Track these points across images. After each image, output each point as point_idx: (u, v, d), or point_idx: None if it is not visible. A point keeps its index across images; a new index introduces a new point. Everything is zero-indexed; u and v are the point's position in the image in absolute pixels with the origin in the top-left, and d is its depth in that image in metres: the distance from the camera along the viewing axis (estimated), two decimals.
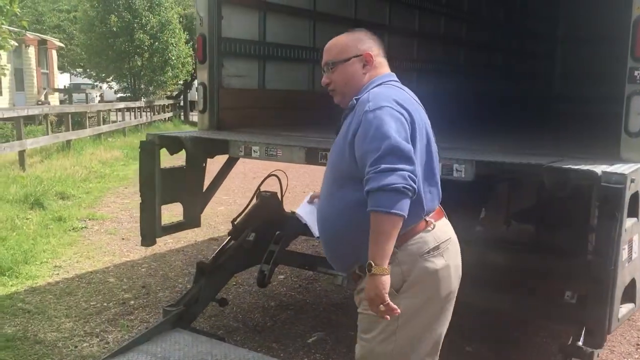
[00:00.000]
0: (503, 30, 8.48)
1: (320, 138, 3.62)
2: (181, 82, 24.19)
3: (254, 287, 4.73)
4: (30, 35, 14.60)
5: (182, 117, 26.20)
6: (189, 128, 24.10)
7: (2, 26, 6.97)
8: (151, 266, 5.50)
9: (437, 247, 2.03)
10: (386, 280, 1.87)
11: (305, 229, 2.81)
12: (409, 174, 1.84)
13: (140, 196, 3.84)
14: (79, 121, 15.00)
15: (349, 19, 5.45)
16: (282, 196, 4.40)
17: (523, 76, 8.97)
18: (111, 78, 22.85)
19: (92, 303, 4.55)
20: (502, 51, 8.63)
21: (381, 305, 1.88)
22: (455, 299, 2.15)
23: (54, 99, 22.38)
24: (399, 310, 1.89)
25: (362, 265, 1.96)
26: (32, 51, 20.78)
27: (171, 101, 25.76)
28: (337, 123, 2.22)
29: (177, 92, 27.82)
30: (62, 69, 29.49)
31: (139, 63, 20.21)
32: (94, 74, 23.98)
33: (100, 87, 31.15)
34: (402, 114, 1.94)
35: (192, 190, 4.12)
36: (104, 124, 15.60)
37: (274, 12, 4.62)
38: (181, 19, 22.24)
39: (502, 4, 8.33)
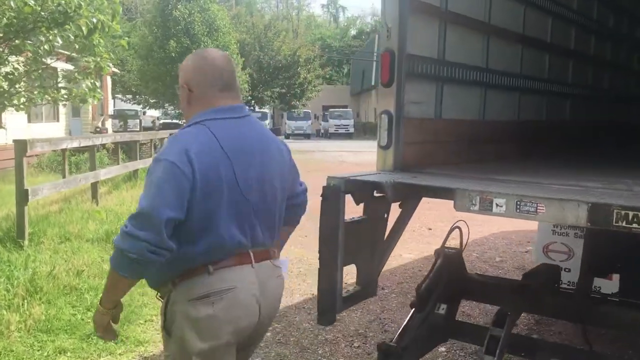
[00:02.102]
0: None
1: (580, 187, 2.69)
2: None
3: None
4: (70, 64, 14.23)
5: None
6: None
7: (101, 46, 6.31)
8: (286, 334, 4.59)
9: (206, 295, 1.92)
10: (100, 318, 2.02)
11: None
12: (148, 244, 1.80)
13: (320, 257, 2.94)
14: (131, 148, 14.42)
15: (518, 35, 4.54)
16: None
17: None
18: (160, 104, 22.45)
19: None
20: None
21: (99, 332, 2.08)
22: (229, 353, 1.99)
23: (108, 125, 22.01)
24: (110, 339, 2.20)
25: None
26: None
27: None
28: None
29: None
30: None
31: None
32: (145, 100, 23.65)
33: (143, 114, 30.97)
34: (182, 172, 1.84)
35: (371, 248, 3.20)
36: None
37: (453, 23, 3.72)
38: (237, 44, 21.77)
39: None
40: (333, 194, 2.86)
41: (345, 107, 51.64)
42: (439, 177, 3.08)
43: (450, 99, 3.76)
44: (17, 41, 6.02)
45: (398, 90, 3.19)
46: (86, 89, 6.53)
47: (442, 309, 3.30)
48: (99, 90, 6.86)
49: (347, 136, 44.28)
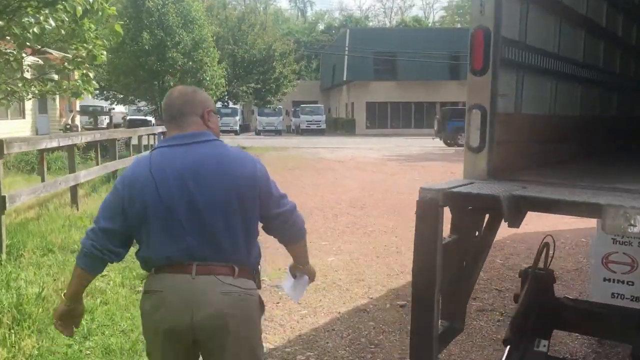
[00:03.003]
0: None
1: None
2: None
3: None
4: (55, 53, 13.28)
5: None
6: None
7: (92, 32, 5.50)
8: None
9: (146, 291, 2.27)
10: (59, 308, 2.34)
11: None
12: (93, 243, 2.20)
13: (414, 288, 2.36)
14: (105, 147, 13.53)
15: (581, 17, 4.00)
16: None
17: None
18: (129, 98, 21.43)
19: None
20: None
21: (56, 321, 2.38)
22: (168, 347, 2.22)
23: (78, 122, 20.90)
24: (66, 334, 2.40)
25: None
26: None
27: None
28: None
29: None
30: None
31: (171, 83, 18.75)
32: (113, 96, 22.58)
33: (110, 110, 29.78)
34: (118, 193, 2.23)
35: (459, 273, 2.63)
36: (137, 150, 14.05)
37: (534, 1, 3.14)
38: (214, 37, 20.90)
39: None
40: (430, 210, 2.28)
41: (316, 102, 51.05)
42: (557, 187, 2.50)
43: (527, 91, 3.18)
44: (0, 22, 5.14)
45: (494, 79, 2.58)
46: (79, 81, 5.73)
47: (543, 345, 2.73)
48: (93, 82, 6.06)
49: (319, 132, 43.78)
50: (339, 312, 4.91)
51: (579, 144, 3.66)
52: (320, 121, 45.25)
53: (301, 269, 2.55)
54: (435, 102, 43.92)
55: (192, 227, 2.17)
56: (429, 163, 19.03)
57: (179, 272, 2.17)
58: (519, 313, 2.76)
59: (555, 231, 8.30)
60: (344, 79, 44.49)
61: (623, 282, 4.45)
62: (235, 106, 40.18)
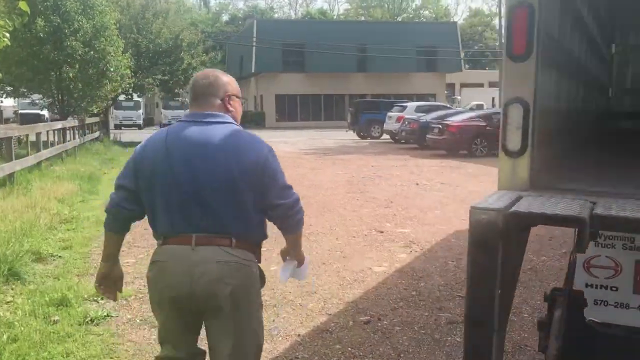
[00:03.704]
0: None
1: None
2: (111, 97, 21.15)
3: None
4: None
5: (100, 137, 23.14)
6: (119, 149, 21.24)
7: None
8: None
9: (152, 262, 2.41)
10: (98, 270, 2.57)
11: None
12: (111, 201, 2.43)
13: (470, 328, 1.82)
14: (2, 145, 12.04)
15: None
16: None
17: None
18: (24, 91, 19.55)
19: None
20: None
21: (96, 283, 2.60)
22: (173, 314, 2.37)
23: None
24: (108, 297, 2.65)
25: None
26: None
27: (96, 119, 22.62)
28: None
29: (99, 109, 24.66)
30: None
31: (70, 75, 17.17)
32: (1, 88, 20.50)
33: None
34: (134, 154, 2.43)
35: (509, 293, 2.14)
36: (42, 147, 12.64)
37: None
38: (117, 24, 19.41)
39: None
40: (490, 236, 1.73)
41: None
42: (636, 201, 2.02)
43: (556, 83, 2.70)
44: None
45: (537, 66, 2.07)
46: None
47: None
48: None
49: None
50: (299, 335, 4.31)
51: (594, 146, 3.25)
52: None
53: (292, 254, 2.64)
54: (344, 95, 44.01)
55: (194, 200, 2.29)
56: (347, 156, 18.73)
57: (179, 243, 2.30)
58: (555, 349, 2.28)
59: None
60: (252, 70, 43.54)
61: (606, 287, 4.15)
62: (139, 99, 38.23)
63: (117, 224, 2.46)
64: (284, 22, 54.09)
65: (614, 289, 4.15)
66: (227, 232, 2.30)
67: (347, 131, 29.02)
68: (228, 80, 2.47)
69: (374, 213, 8.99)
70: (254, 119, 44.15)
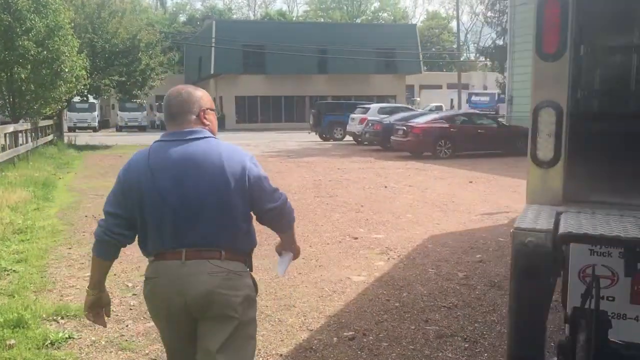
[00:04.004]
0: None
1: None
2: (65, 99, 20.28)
3: None
4: None
5: (56, 140, 22.22)
6: (74, 153, 20.48)
7: None
8: None
9: (145, 279, 2.47)
10: (86, 299, 2.53)
11: None
12: (101, 228, 2.41)
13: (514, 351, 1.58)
14: None
15: None
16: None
17: None
18: None
19: None
20: None
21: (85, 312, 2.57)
22: (171, 327, 2.44)
23: None
24: (98, 323, 2.60)
25: None
26: None
27: (50, 122, 21.71)
28: None
29: (52, 112, 23.73)
30: None
31: (23, 75, 16.37)
32: None
33: None
34: (118, 179, 2.44)
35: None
36: None
37: None
38: (72, 23, 18.64)
39: None
40: (539, 263, 1.48)
41: None
42: None
43: (603, 83, 2.46)
44: None
45: (572, 66, 1.84)
46: None
47: None
48: None
49: None
50: (281, 355, 4.02)
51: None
52: None
53: (288, 248, 2.71)
54: (305, 96, 43.78)
55: (183, 217, 2.33)
56: (311, 159, 18.47)
57: (170, 258, 2.35)
58: None
59: (468, 230, 8.01)
60: (212, 72, 42.86)
61: (603, 297, 4.01)
62: (94, 101, 37.13)
63: (107, 250, 2.46)
64: (244, 23, 53.48)
65: (610, 299, 4.00)
66: (216, 245, 2.36)
67: (309, 133, 28.75)
68: (201, 95, 2.51)
69: (345, 218, 8.75)
70: None
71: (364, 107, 25.22)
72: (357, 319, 4.67)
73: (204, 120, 2.46)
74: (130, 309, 4.90)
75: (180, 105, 2.45)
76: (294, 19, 73.74)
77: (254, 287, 2.50)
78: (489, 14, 35.92)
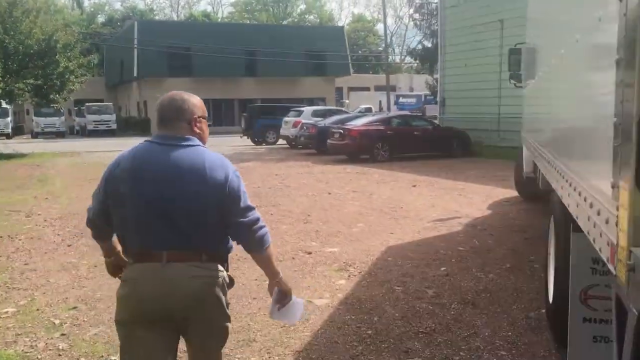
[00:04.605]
0: None
1: None
2: None
3: None
4: None
5: None
6: None
7: None
8: None
9: (123, 280, 2.48)
10: (105, 263, 2.78)
11: None
12: (89, 213, 2.58)
13: None
14: None
15: None
16: None
17: None
18: None
19: None
20: None
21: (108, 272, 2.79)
22: (144, 329, 2.39)
23: None
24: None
25: None
26: None
27: None
28: None
29: None
30: None
31: None
32: None
33: None
34: (103, 174, 2.49)
35: None
36: None
37: None
38: None
39: None
40: None
41: (102, 100, 46.92)
42: None
43: None
44: None
45: None
46: None
47: None
48: None
49: (110, 133, 40.34)
50: None
51: None
52: (109, 121, 41.80)
53: (274, 284, 2.64)
54: (234, 99, 42.82)
55: (164, 220, 2.36)
56: (247, 164, 17.73)
57: (150, 260, 2.37)
58: None
59: (425, 240, 7.56)
60: (135, 75, 41.19)
61: (607, 321, 3.64)
62: (6, 106, 34.76)
63: (99, 234, 2.63)
64: (168, 24, 51.87)
65: (612, 322, 3.61)
66: (196, 248, 2.40)
67: (241, 137, 27.92)
68: (195, 103, 2.52)
69: (294, 230, 8.16)
70: (138, 126, 41.75)
71: (297, 110, 24.68)
72: (329, 353, 4.10)
73: (195, 128, 2.48)
74: (60, 355, 4.12)
75: (173, 111, 2.48)
76: (219, 20, 72.33)
77: (230, 282, 2.59)
78: (416, 15, 36.26)
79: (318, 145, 20.45)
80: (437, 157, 18.55)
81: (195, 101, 2.52)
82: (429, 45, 34.65)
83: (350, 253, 6.83)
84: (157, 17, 72.42)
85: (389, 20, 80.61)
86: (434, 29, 31.08)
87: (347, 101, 48.88)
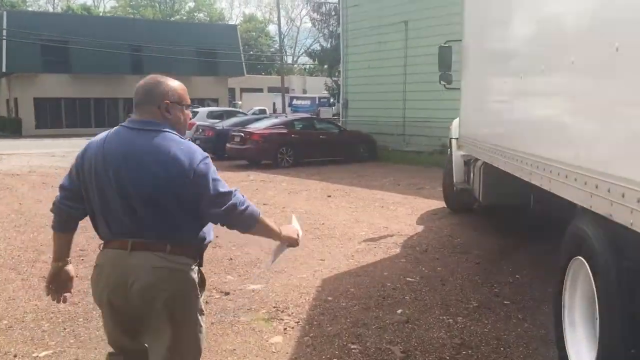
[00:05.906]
0: None
1: None
2: None
3: None
4: None
5: None
6: None
7: None
8: None
9: (95, 265, 2.46)
10: (49, 272, 2.58)
11: None
12: (55, 201, 2.50)
13: None
14: None
15: None
16: None
17: None
18: None
19: None
20: None
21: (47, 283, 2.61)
22: (111, 316, 2.41)
23: None
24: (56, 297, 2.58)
25: None
26: None
27: None
28: None
29: None
30: None
31: None
32: None
33: None
34: (77, 155, 2.45)
35: None
36: None
37: None
38: None
39: None
40: None
41: None
42: None
43: None
44: None
45: None
46: None
47: None
48: None
49: None
50: None
51: None
52: None
53: (282, 242, 2.73)
54: (119, 99, 39.73)
55: (127, 207, 2.31)
56: None
57: (116, 247, 2.35)
58: None
59: (363, 268, 6.25)
60: (3, 70, 37.00)
61: None
62: None
63: (61, 223, 2.52)
64: (43, 16, 47.33)
65: None
66: (162, 238, 2.33)
67: None
68: (171, 87, 2.46)
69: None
70: (7, 127, 37.65)
71: (191, 111, 22.80)
72: None
73: (166, 114, 2.41)
74: None
75: (143, 94, 2.44)
76: (101, 14, 67.72)
77: (202, 283, 2.46)
78: (315, 15, 35.35)
79: (216, 149, 18.74)
80: (342, 162, 17.57)
81: (171, 85, 2.46)
82: (328, 46, 33.83)
83: (278, 292, 5.44)
84: (30, 8, 66.53)
85: (281, 21, 79.57)
86: (332, 30, 30.27)
87: (240, 102, 47.16)
